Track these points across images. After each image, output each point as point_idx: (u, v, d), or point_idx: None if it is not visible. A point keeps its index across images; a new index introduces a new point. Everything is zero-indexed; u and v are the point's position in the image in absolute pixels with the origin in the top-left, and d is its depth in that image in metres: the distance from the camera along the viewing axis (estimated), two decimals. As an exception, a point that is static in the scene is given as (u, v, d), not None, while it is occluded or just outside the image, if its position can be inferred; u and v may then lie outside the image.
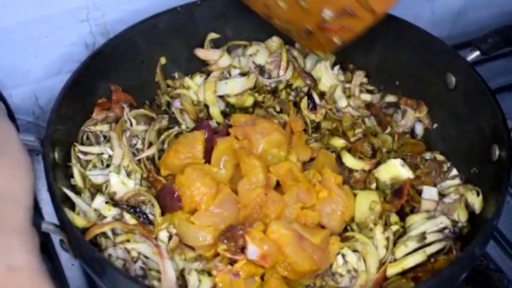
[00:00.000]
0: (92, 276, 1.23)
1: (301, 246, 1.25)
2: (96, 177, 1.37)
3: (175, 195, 1.34)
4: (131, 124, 1.46)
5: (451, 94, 1.44)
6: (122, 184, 1.36)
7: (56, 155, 1.29)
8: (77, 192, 1.34)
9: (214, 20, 1.57)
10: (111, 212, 1.30)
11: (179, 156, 1.39)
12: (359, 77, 1.60)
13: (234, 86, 1.56)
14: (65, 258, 1.46)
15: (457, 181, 1.42)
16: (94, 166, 1.39)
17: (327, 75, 1.59)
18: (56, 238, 1.39)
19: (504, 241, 1.52)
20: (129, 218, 1.31)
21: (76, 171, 1.35)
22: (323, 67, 1.59)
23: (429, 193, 1.39)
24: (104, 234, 1.27)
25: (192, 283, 1.25)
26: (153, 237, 1.29)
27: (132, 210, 1.31)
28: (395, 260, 1.29)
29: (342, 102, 1.57)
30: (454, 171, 1.43)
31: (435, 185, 1.42)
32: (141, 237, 1.27)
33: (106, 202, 1.31)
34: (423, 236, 1.30)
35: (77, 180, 1.35)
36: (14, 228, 0.99)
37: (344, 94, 1.58)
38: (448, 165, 1.45)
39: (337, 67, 1.61)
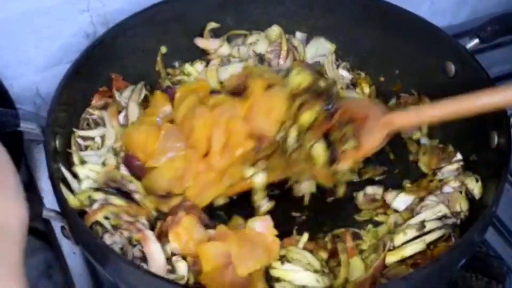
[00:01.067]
0: (93, 263, 1.24)
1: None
2: (90, 158, 1.37)
3: (135, 164, 1.36)
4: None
5: (450, 82, 1.45)
6: None
7: (57, 143, 1.30)
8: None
9: (214, 9, 1.57)
10: (98, 196, 1.29)
11: None
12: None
13: (234, 72, 1.55)
14: (67, 247, 1.46)
15: (456, 165, 1.42)
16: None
17: (331, 70, 1.60)
18: (57, 227, 1.39)
19: (503, 229, 1.52)
20: (117, 201, 1.30)
21: (75, 157, 1.35)
22: (328, 62, 1.60)
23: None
24: (98, 222, 1.27)
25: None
26: (141, 219, 1.29)
27: (116, 191, 1.30)
28: (394, 248, 1.29)
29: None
30: (459, 155, 1.43)
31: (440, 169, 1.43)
32: (125, 223, 1.26)
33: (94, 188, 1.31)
34: (422, 224, 1.30)
35: (77, 166, 1.35)
36: (10, 269, 0.95)
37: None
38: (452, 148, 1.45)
39: (342, 65, 1.62)
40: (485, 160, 1.35)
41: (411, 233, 1.30)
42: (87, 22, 1.58)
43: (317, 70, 1.59)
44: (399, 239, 1.30)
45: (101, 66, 1.45)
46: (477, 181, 1.35)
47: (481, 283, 1.40)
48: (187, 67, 1.59)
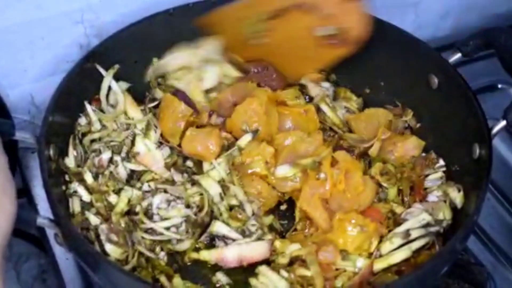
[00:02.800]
0: (85, 269, 1.23)
1: None
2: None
3: None
4: None
5: (434, 95, 1.45)
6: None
7: (51, 152, 1.29)
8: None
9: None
10: None
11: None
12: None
13: (211, 77, 1.55)
14: (60, 253, 1.46)
15: (440, 174, 1.42)
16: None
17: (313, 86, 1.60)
18: (51, 234, 1.39)
19: (484, 236, 1.53)
20: None
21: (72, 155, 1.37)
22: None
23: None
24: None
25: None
26: None
27: None
28: (381, 256, 1.29)
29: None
30: (441, 161, 1.43)
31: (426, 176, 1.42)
32: None
33: None
34: (407, 233, 1.30)
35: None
36: None
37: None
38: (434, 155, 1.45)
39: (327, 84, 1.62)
40: (467, 170, 1.35)
41: (397, 241, 1.30)
42: (81, 33, 1.57)
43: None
44: (385, 247, 1.30)
45: (94, 77, 1.44)
46: (459, 191, 1.35)
47: (463, 289, 1.40)
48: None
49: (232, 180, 1.39)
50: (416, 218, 1.32)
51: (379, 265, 1.27)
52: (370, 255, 1.29)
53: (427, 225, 1.31)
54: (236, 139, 1.45)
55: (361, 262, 1.27)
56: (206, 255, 1.31)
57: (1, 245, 1.00)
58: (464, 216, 1.28)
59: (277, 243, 1.32)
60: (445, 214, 1.33)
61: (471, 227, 1.25)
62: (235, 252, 1.30)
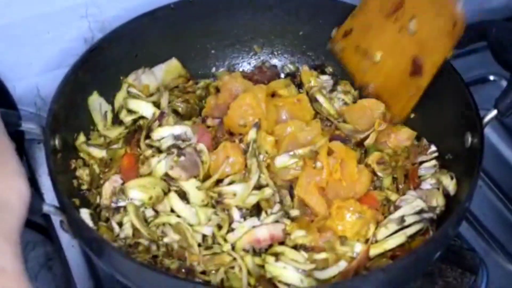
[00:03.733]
0: (90, 255, 1.24)
1: None
2: None
3: None
4: None
5: (427, 86, 1.46)
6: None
7: (56, 142, 1.30)
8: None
9: (205, 18, 1.58)
10: None
11: None
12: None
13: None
14: (66, 241, 1.47)
15: (433, 162, 1.43)
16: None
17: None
18: (56, 222, 1.40)
19: (476, 223, 1.54)
20: None
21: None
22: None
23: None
24: None
25: None
26: None
27: None
28: (376, 241, 1.30)
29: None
30: (433, 147, 1.44)
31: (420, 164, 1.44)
32: None
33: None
34: (402, 219, 1.31)
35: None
36: (6, 235, 1.00)
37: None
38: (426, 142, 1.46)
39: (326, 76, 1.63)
40: (460, 159, 1.36)
41: (392, 227, 1.31)
42: (85, 28, 1.58)
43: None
44: (381, 233, 1.31)
45: (98, 70, 1.45)
46: (452, 178, 1.36)
47: (456, 274, 1.41)
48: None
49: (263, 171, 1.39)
50: (411, 205, 1.34)
51: (375, 250, 1.28)
52: (367, 240, 1.30)
53: (421, 211, 1.32)
54: (233, 134, 1.46)
55: (359, 247, 1.28)
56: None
57: (18, 227, 1.02)
58: (456, 202, 1.29)
59: (288, 226, 1.32)
60: (438, 201, 1.34)
61: (463, 213, 1.26)
62: (266, 231, 1.31)
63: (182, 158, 1.35)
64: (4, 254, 0.98)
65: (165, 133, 1.40)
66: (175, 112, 1.50)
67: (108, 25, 1.57)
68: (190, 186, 1.35)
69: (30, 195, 1.06)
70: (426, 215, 1.32)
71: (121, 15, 1.53)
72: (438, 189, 1.37)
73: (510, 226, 1.56)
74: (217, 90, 1.55)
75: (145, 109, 1.47)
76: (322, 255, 1.27)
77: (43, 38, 1.55)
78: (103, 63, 1.46)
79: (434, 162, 1.43)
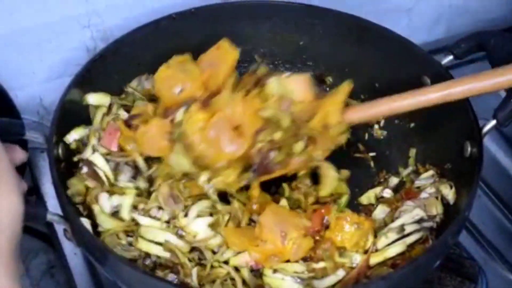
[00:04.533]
0: (93, 263, 1.25)
1: None
2: None
3: None
4: None
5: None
6: None
7: (60, 151, 1.31)
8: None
9: (207, 28, 1.58)
10: None
11: None
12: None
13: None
14: (68, 249, 1.48)
15: (431, 172, 1.44)
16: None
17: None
18: (59, 229, 1.40)
19: (476, 232, 1.55)
20: None
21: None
22: None
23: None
24: None
25: None
26: None
27: None
28: (377, 250, 1.31)
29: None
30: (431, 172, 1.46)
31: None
32: None
33: None
34: (402, 228, 1.32)
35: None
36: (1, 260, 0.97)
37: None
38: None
39: None
40: (459, 168, 1.37)
41: (392, 236, 1.32)
42: (88, 37, 1.59)
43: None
44: (381, 242, 1.32)
45: (100, 79, 1.46)
46: (451, 187, 1.37)
47: (455, 282, 1.42)
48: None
49: None
50: (410, 214, 1.34)
51: (375, 259, 1.29)
52: (365, 251, 1.31)
53: (420, 220, 1.33)
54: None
55: (358, 259, 1.29)
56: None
57: (10, 246, 0.99)
58: (456, 212, 1.29)
59: None
60: (437, 210, 1.34)
61: (463, 222, 1.27)
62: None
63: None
64: None
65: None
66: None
67: (110, 34, 1.57)
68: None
69: (23, 211, 1.02)
70: (425, 224, 1.32)
71: (123, 24, 1.54)
72: (437, 198, 1.37)
73: (509, 235, 1.57)
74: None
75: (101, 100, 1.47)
76: (321, 265, 1.28)
77: (46, 47, 1.56)
78: (105, 72, 1.47)
79: (432, 172, 1.44)
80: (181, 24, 1.55)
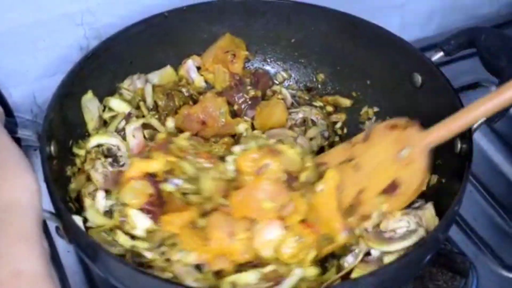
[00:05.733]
0: (85, 260, 1.25)
1: None
2: None
3: None
4: None
5: (417, 92, 1.47)
6: None
7: (52, 148, 1.30)
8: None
9: (199, 25, 1.59)
10: None
11: None
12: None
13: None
14: (61, 247, 1.48)
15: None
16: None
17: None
18: (52, 228, 1.40)
19: (467, 227, 1.55)
20: None
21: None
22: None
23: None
24: None
25: None
26: None
27: None
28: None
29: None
30: None
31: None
32: None
33: None
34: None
35: None
36: (20, 235, 0.93)
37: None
38: None
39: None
40: (450, 164, 1.37)
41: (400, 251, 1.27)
42: (81, 35, 1.59)
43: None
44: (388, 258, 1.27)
45: (93, 77, 1.46)
46: (442, 183, 1.37)
47: (446, 277, 1.42)
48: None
49: None
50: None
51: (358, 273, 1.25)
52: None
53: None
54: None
55: (299, 272, 1.25)
56: None
57: (35, 225, 0.96)
58: (445, 207, 1.29)
59: None
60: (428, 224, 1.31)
61: (453, 217, 1.27)
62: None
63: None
64: (21, 255, 0.92)
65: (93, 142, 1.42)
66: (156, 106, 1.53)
67: (103, 32, 1.57)
68: None
69: (39, 189, 1.00)
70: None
71: (116, 23, 1.54)
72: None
73: (500, 230, 1.57)
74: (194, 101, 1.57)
75: (121, 107, 1.49)
76: (270, 268, 1.25)
77: (39, 46, 1.56)
78: (98, 70, 1.47)
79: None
80: (173, 21, 1.55)
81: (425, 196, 1.34)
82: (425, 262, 1.24)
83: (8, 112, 1.51)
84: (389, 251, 1.25)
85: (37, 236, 0.95)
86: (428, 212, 1.29)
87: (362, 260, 1.27)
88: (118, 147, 1.42)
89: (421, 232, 1.26)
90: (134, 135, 1.44)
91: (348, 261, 1.28)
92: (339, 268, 1.28)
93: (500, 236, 1.56)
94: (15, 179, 0.99)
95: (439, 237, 1.25)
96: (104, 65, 1.48)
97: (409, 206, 1.32)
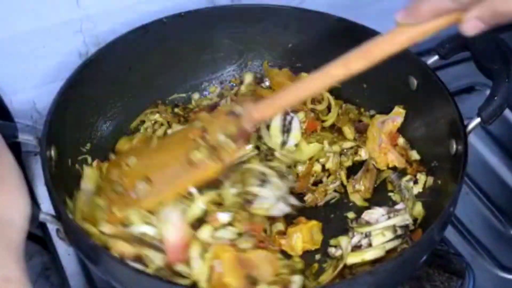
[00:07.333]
0: (86, 262, 1.27)
1: None
2: None
3: None
4: None
5: (413, 96, 1.49)
6: None
7: (52, 152, 1.32)
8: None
9: (196, 31, 1.61)
10: None
11: None
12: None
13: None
14: (62, 250, 1.49)
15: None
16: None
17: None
18: (53, 231, 1.42)
19: (463, 228, 1.57)
20: None
21: None
22: None
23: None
24: None
25: None
26: None
27: None
28: (370, 245, 1.33)
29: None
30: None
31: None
32: None
33: None
34: (394, 228, 1.34)
35: None
36: (9, 247, 1.04)
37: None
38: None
39: None
40: (445, 166, 1.39)
41: (389, 235, 1.33)
42: (80, 42, 1.60)
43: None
44: (378, 239, 1.33)
45: (92, 83, 1.48)
46: (438, 185, 1.39)
47: (443, 278, 1.43)
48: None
49: None
50: (401, 217, 1.35)
51: (353, 259, 1.30)
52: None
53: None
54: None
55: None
56: None
57: (21, 241, 1.07)
58: (441, 207, 1.31)
59: None
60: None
61: (448, 217, 1.28)
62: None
63: None
64: (9, 265, 1.02)
65: None
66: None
67: (102, 39, 1.59)
68: None
69: (30, 209, 1.10)
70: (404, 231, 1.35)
71: (115, 29, 1.56)
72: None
73: (496, 231, 1.59)
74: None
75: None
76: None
77: (39, 52, 1.57)
78: (97, 76, 1.49)
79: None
80: (171, 28, 1.57)
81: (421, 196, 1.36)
82: (420, 262, 1.26)
83: (9, 118, 1.53)
84: (376, 229, 1.32)
85: (21, 251, 1.06)
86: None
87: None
88: None
89: (403, 214, 1.34)
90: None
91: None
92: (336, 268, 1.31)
93: (496, 237, 1.58)
94: (10, 198, 1.08)
95: (434, 237, 1.27)
96: (103, 71, 1.50)
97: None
